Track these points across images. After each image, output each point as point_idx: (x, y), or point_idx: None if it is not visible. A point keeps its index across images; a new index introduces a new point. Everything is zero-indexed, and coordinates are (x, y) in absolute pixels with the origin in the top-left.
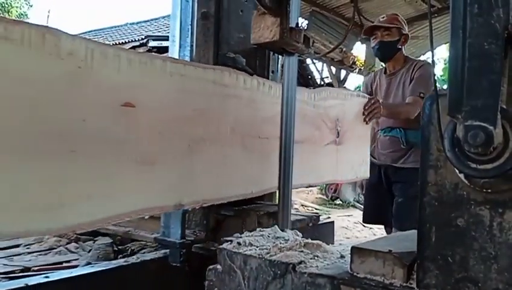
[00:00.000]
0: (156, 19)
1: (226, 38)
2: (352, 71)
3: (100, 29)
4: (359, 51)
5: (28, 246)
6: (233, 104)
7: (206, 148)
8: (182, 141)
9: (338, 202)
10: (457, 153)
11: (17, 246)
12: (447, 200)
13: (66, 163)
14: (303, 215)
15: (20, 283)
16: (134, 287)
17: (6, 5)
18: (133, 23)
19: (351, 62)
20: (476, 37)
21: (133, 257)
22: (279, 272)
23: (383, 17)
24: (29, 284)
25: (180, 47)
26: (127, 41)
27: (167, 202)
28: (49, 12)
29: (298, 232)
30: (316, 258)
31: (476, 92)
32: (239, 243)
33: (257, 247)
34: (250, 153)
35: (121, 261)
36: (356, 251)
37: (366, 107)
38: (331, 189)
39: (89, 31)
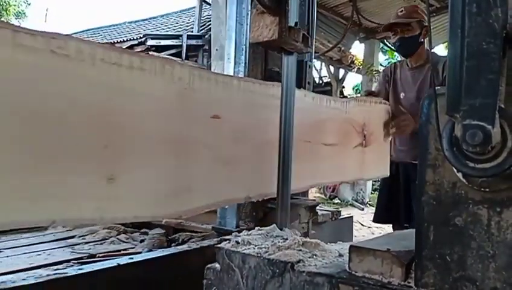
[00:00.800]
0: (154, 17)
1: (271, 55)
2: (350, 70)
3: (98, 28)
4: (358, 50)
5: (82, 237)
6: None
7: (269, 150)
8: (252, 145)
9: (336, 201)
10: (455, 152)
11: (72, 237)
12: (445, 199)
13: (173, 161)
14: (327, 211)
15: (112, 263)
16: (196, 269)
17: (4, 4)
18: (131, 22)
19: (349, 61)
20: (475, 37)
21: (193, 243)
22: (277, 270)
23: (401, 11)
24: (121, 263)
25: (235, 64)
26: (125, 40)
27: (240, 195)
28: (47, 10)
29: (297, 231)
30: (314, 257)
31: (474, 91)
32: (237, 242)
33: (255, 246)
34: (301, 154)
35: (184, 247)
36: (354, 249)
37: (398, 124)
38: (330, 188)
39: (87, 30)
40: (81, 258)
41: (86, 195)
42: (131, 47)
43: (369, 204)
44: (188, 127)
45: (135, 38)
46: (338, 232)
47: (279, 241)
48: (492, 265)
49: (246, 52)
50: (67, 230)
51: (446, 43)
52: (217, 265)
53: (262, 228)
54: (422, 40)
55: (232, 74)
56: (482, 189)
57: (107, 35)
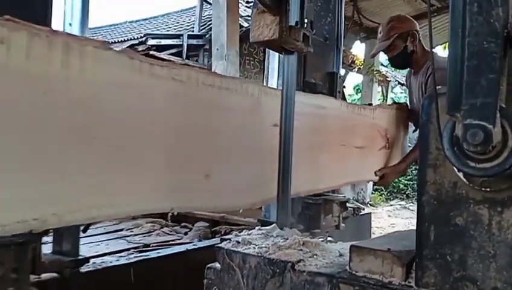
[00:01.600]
0: (155, 17)
1: (308, 68)
2: (351, 70)
3: (99, 27)
4: (358, 50)
5: (130, 230)
6: (331, 120)
7: (316, 153)
8: (305, 148)
9: None
10: (456, 152)
11: (121, 230)
12: (445, 199)
13: (249, 162)
14: (349, 207)
15: (181, 248)
16: None
17: None
18: (132, 22)
19: (350, 61)
20: (476, 36)
21: (241, 234)
22: (278, 270)
23: (380, 32)
24: (188, 249)
25: (278, 77)
26: (126, 39)
27: (298, 190)
28: None
29: (297, 231)
30: (315, 256)
31: (475, 90)
32: (238, 242)
33: (256, 245)
34: (337, 157)
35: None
36: (355, 249)
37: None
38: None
39: (88, 29)
40: (137, 247)
41: (191, 188)
42: (131, 46)
43: (369, 204)
44: (257, 135)
45: (136, 37)
46: (359, 227)
47: (279, 241)
48: (493, 265)
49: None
50: (114, 224)
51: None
52: (218, 265)
53: (263, 227)
54: (412, 48)
55: (275, 85)
56: (483, 189)
57: (107, 34)
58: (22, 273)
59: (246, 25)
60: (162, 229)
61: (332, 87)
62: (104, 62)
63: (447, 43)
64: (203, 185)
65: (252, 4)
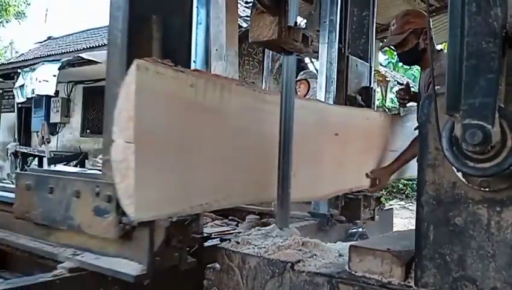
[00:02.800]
0: None
1: (349, 84)
2: None
3: (98, 28)
4: None
5: None
6: (375, 129)
7: (366, 156)
8: (355, 151)
9: None
10: (455, 152)
11: None
12: (444, 199)
13: (316, 164)
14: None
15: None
16: (314, 236)
17: (4, 4)
18: None
19: None
20: (474, 36)
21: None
22: (277, 270)
23: (393, 24)
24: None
25: (325, 92)
26: None
27: (347, 186)
28: (47, 11)
29: (297, 231)
30: (314, 257)
31: (473, 90)
32: (237, 242)
33: (255, 246)
34: (382, 160)
35: (307, 222)
36: (354, 249)
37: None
38: None
39: (88, 30)
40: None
41: (270, 184)
42: None
43: None
44: (321, 142)
45: None
46: (383, 220)
47: (279, 241)
48: (492, 265)
49: (333, 83)
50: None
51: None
52: (217, 265)
53: (262, 228)
54: (423, 46)
55: (324, 99)
56: (482, 188)
57: (107, 35)
58: (184, 244)
59: (245, 25)
60: (214, 222)
61: (368, 99)
62: (240, 94)
63: (446, 43)
64: (292, 182)
65: (251, 4)
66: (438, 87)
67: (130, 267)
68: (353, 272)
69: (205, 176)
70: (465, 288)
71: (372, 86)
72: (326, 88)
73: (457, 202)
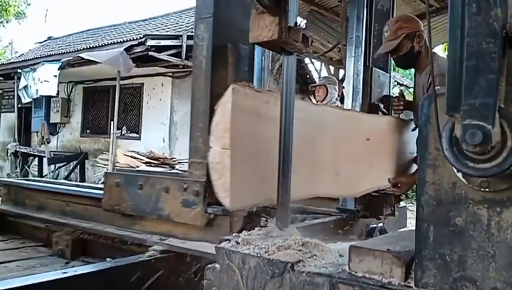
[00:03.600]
0: (154, 18)
1: (373, 93)
2: None
3: (99, 28)
4: None
5: None
6: (397, 134)
7: (389, 159)
8: (383, 155)
9: None
10: (455, 152)
11: None
12: (445, 199)
13: (353, 165)
14: None
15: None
16: (332, 232)
17: (4, 4)
18: (131, 22)
19: None
20: (474, 36)
21: (332, 217)
22: (277, 271)
23: (387, 31)
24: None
25: (352, 101)
26: (125, 40)
27: (377, 185)
28: (47, 11)
29: (297, 231)
30: (314, 257)
31: (474, 91)
32: (237, 242)
33: (255, 246)
34: (401, 161)
35: (324, 219)
36: (354, 249)
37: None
38: None
39: (88, 30)
40: None
41: (328, 182)
42: (131, 47)
43: None
44: (357, 146)
45: (135, 38)
46: (399, 217)
47: (279, 242)
48: (493, 265)
49: (360, 93)
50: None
51: (446, 44)
52: (217, 265)
53: (262, 228)
54: (418, 49)
55: (351, 107)
56: (482, 189)
57: (107, 35)
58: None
59: None
60: None
61: (388, 107)
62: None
63: (446, 44)
64: (334, 180)
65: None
66: (438, 87)
67: (213, 248)
68: (353, 273)
69: (275, 174)
70: (465, 288)
71: (391, 94)
72: (353, 97)
73: (457, 203)
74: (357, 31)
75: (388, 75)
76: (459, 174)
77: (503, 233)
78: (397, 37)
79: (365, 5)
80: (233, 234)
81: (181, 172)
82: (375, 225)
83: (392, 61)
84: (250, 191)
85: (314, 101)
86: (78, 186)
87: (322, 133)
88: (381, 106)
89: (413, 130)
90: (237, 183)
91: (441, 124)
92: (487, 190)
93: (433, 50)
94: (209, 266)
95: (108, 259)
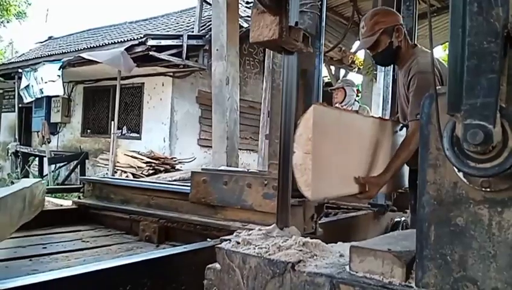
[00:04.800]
0: (155, 17)
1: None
2: (351, 70)
3: (99, 28)
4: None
5: None
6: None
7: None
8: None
9: None
10: (456, 152)
11: None
12: (446, 199)
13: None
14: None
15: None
16: (363, 225)
17: (5, 3)
18: (132, 22)
19: (350, 61)
20: (476, 36)
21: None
22: (278, 271)
23: (363, 27)
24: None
25: (382, 110)
26: (125, 40)
27: (403, 184)
28: (47, 10)
29: (297, 231)
30: (315, 257)
31: (475, 90)
32: (238, 242)
33: (256, 246)
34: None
35: (358, 213)
36: (355, 249)
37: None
38: None
39: (88, 30)
40: None
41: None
42: (131, 47)
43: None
44: (394, 151)
45: (135, 38)
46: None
47: (279, 242)
48: (494, 265)
49: (389, 102)
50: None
51: (446, 44)
52: (218, 265)
53: (263, 228)
54: (398, 44)
55: (381, 115)
56: (483, 189)
57: (107, 35)
58: (318, 219)
59: (245, 25)
60: None
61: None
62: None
63: (447, 43)
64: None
65: (251, 4)
66: (439, 87)
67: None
68: (354, 273)
69: (342, 173)
70: (466, 288)
71: None
72: (383, 106)
73: (458, 202)
74: None
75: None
76: (460, 174)
77: (504, 233)
78: (374, 33)
79: None
80: (234, 234)
81: (260, 171)
82: (399, 219)
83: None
84: (326, 186)
85: (335, 102)
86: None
87: (369, 139)
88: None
89: (400, 129)
90: (316, 180)
91: (442, 123)
92: (488, 189)
93: (416, 45)
94: (210, 266)
95: (208, 239)
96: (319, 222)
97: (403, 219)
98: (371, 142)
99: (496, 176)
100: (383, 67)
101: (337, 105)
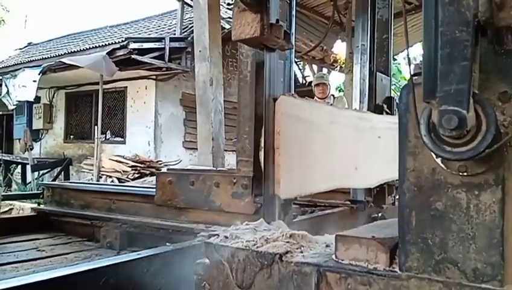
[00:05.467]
0: (136, 21)
1: (377, 95)
2: (333, 69)
3: (79, 33)
4: (340, 49)
5: None
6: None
7: (394, 153)
8: (389, 149)
9: None
10: (433, 138)
11: None
12: (425, 185)
13: (368, 160)
14: None
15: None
16: (346, 220)
17: None
18: (112, 26)
19: (332, 60)
20: (448, 26)
21: (338, 208)
22: (266, 262)
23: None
24: None
25: (359, 103)
26: (107, 44)
27: (385, 177)
28: (26, 17)
29: (284, 224)
30: (301, 248)
31: (448, 78)
32: (226, 237)
33: (244, 240)
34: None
35: (334, 210)
36: (340, 238)
37: None
38: None
39: (68, 35)
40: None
41: (349, 176)
42: (113, 51)
43: None
44: (371, 143)
45: (117, 42)
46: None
47: (267, 234)
48: (473, 246)
49: (366, 95)
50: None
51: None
52: (207, 260)
53: (250, 223)
54: None
55: (358, 108)
56: (460, 173)
57: (88, 39)
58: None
59: (227, 26)
60: None
61: (390, 107)
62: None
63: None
64: (354, 173)
65: (233, 6)
66: (416, 77)
67: None
68: (340, 261)
69: (313, 170)
70: (447, 270)
71: (392, 96)
72: (360, 99)
73: (437, 188)
74: (363, 40)
75: (389, 78)
76: (438, 160)
77: (482, 215)
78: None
79: (369, 17)
80: (222, 229)
81: (229, 169)
82: (376, 215)
83: (392, 65)
84: (295, 184)
85: (318, 96)
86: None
87: (346, 132)
88: (385, 106)
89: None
90: (286, 177)
91: (419, 112)
92: (465, 174)
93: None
94: (199, 261)
95: (167, 244)
96: (295, 220)
97: (379, 214)
98: (347, 136)
99: (471, 160)
100: (360, 59)
101: (318, 100)
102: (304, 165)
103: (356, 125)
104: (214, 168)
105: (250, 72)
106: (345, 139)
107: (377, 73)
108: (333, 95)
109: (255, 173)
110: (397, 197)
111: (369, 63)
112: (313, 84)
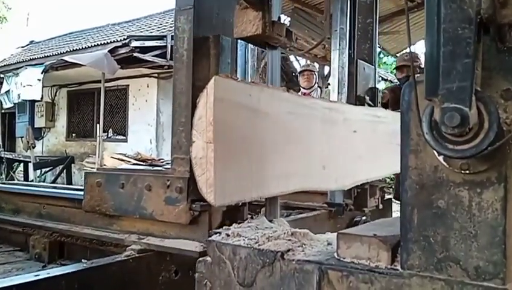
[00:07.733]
0: (138, 19)
1: (358, 85)
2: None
3: (82, 31)
4: None
5: None
6: (383, 125)
7: (376, 150)
8: (370, 145)
9: None
10: (435, 135)
11: None
12: (427, 183)
13: (340, 158)
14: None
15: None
16: (322, 224)
17: None
18: (114, 24)
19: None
20: (450, 23)
21: (315, 211)
22: (267, 260)
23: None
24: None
25: (338, 93)
26: (108, 42)
27: (365, 177)
28: (28, 15)
29: (285, 222)
30: (303, 246)
31: (451, 75)
32: (227, 235)
33: (246, 237)
34: (393, 152)
35: (309, 214)
36: (342, 236)
37: None
38: None
39: (70, 33)
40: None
41: (314, 175)
42: (115, 49)
43: None
44: (345, 139)
45: (119, 40)
46: (384, 210)
47: (268, 232)
48: (475, 244)
49: (345, 85)
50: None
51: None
52: (208, 258)
53: (252, 220)
54: None
55: (337, 99)
56: (463, 171)
57: (90, 37)
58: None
59: None
60: None
61: (374, 99)
62: (284, 99)
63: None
64: (321, 173)
65: None
66: (418, 75)
67: (192, 245)
68: (341, 259)
69: (262, 168)
70: (449, 268)
71: (377, 86)
72: (338, 90)
73: (439, 186)
74: (341, 24)
75: (373, 67)
76: (440, 158)
77: (484, 213)
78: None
79: None
80: (224, 227)
81: (164, 169)
82: (359, 219)
83: (377, 53)
84: (236, 186)
85: (303, 86)
86: (54, 187)
87: (310, 125)
88: (367, 98)
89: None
90: (221, 178)
91: (421, 110)
92: (467, 172)
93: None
94: (201, 259)
95: (83, 260)
96: None
97: (363, 218)
98: (311, 129)
99: (474, 158)
100: (338, 44)
101: (303, 90)
102: (248, 163)
103: (324, 117)
104: (149, 168)
105: (187, 50)
106: (308, 133)
107: (359, 60)
108: (320, 88)
109: (192, 173)
110: (381, 199)
111: (348, 49)
112: (298, 74)
